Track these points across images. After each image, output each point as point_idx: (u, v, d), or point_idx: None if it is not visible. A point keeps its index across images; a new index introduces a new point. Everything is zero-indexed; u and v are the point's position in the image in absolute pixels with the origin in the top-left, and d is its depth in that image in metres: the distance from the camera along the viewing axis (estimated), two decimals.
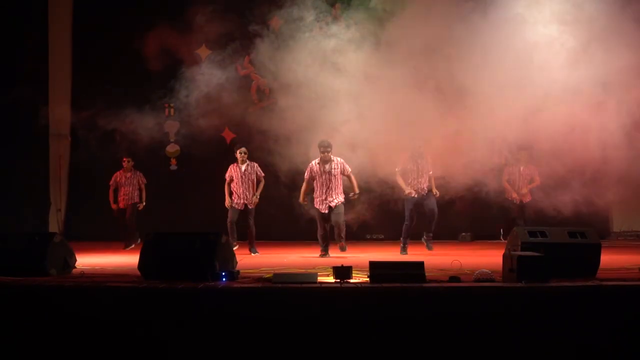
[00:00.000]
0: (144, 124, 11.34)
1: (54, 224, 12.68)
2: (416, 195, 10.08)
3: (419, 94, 9.77)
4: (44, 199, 12.37)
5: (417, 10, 9.87)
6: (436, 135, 9.97)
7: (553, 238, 6.72)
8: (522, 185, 11.42)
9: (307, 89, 10.32)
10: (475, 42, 9.57)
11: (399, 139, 10.08)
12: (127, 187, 11.56)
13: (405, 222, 10.17)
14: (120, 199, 11.59)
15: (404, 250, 10.03)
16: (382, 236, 12.43)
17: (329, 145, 9.63)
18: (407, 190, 10.04)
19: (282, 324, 5.69)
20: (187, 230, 8.81)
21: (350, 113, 10.21)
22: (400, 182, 10.13)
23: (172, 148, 13.45)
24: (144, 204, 11.59)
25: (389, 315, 5.72)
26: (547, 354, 5.65)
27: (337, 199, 9.70)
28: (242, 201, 10.32)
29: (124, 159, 11.59)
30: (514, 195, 11.40)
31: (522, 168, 11.39)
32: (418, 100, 9.74)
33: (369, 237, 12.52)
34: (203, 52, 12.20)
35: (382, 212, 11.47)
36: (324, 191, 9.70)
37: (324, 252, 9.71)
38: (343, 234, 9.78)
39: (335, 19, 11.20)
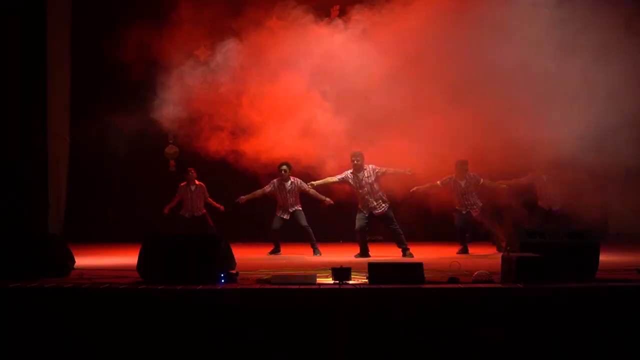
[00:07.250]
0: (143, 125, 11.34)
1: (53, 225, 12.66)
2: (464, 212, 10.52)
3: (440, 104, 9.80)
4: (43, 200, 12.34)
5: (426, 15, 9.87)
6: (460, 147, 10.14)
7: (552, 239, 6.73)
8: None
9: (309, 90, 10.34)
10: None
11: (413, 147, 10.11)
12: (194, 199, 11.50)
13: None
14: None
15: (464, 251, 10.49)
16: (381, 237, 12.41)
17: (359, 155, 9.84)
18: (457, 205, 10.54)
19: (281, 325, 5.69)
20: (186, 232, 8.81)
21: (358, 119, 10.21)
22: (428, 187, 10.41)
23: (171, 149, 13.40)
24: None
25: (388, 316, 5.72)
26: (547, 354, 5.65)
27: (381, 206, 9.92)
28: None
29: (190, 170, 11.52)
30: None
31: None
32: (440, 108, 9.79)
33: (368, 238, 12.48)
34: (202, 53, 12.19)
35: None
36: (365, 199, 9.94)
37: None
38: (402, 239, 9.94)
39: (335, 19, 11.19)
